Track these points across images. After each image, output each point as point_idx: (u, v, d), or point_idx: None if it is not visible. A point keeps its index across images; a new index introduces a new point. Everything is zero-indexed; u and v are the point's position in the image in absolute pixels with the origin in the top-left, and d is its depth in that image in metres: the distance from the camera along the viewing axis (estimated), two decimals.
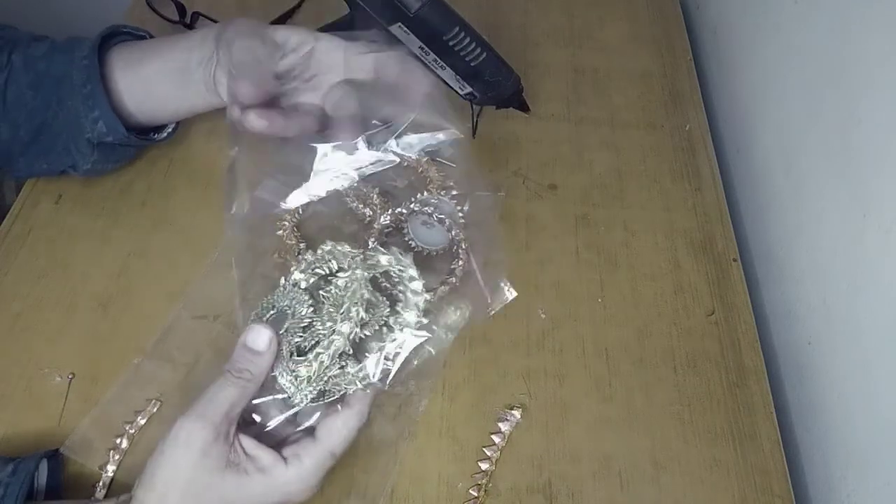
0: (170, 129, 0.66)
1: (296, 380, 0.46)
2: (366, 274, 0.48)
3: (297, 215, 0.66)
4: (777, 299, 0.67)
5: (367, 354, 0.47)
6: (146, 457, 0.44)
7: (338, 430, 0.45)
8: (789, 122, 0.67)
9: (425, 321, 0.48)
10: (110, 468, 0.52)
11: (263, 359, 0.45)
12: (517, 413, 0.56)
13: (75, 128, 0.59)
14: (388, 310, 0.49)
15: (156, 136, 0.65)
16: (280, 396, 0.47)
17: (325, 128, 0.57)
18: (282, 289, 0.50)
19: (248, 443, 0.44)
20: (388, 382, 0.47)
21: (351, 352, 0.46)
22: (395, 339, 0.47)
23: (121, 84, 0.59)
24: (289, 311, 0.48)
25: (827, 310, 0.58)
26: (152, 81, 0.59)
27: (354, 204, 0.67)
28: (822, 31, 0.61)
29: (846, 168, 0.56)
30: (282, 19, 0.85)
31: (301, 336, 0.47)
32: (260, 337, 0.45)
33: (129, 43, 0.62)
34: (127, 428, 0.53)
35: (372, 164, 0.54)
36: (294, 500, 0.45)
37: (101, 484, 0.51)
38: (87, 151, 0.61)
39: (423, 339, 0.48)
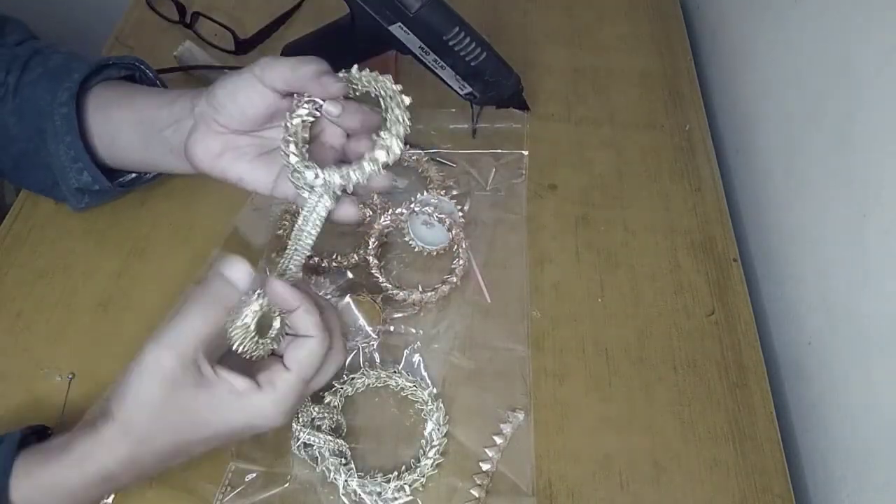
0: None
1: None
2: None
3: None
4: (777, 299, 0.67)
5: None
6: None
7: (305, 357, 0.44)
8: (789, 122, 0.67)
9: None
10: None
11: (238, 291, 0.44)
12: (520, 415, 0.56)
13: (61, 173, 0.58)
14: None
15: (147, 175, 0.63)
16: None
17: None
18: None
19: (220, 368, 0.44)
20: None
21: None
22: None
23: (93, 128, 0.58)
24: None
25: (827, 310, 0.58)
26: (119, 129, 0.57)
27: None
28: (822, 31, 0.61)
29: (846, 168, 0.56)
30: (282, 19, 0.85)
31: None
32: (237, 270, 0.44)
33: (111, 83, 0.60)
34: None
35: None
36: (264, 426, 0.45)
37: None
38: (78, 196, 0.60)
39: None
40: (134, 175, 0.63)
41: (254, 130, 0.51)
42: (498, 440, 0.54)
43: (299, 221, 0.47)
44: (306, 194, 0.47)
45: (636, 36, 0.88)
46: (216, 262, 0.45)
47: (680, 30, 0.89)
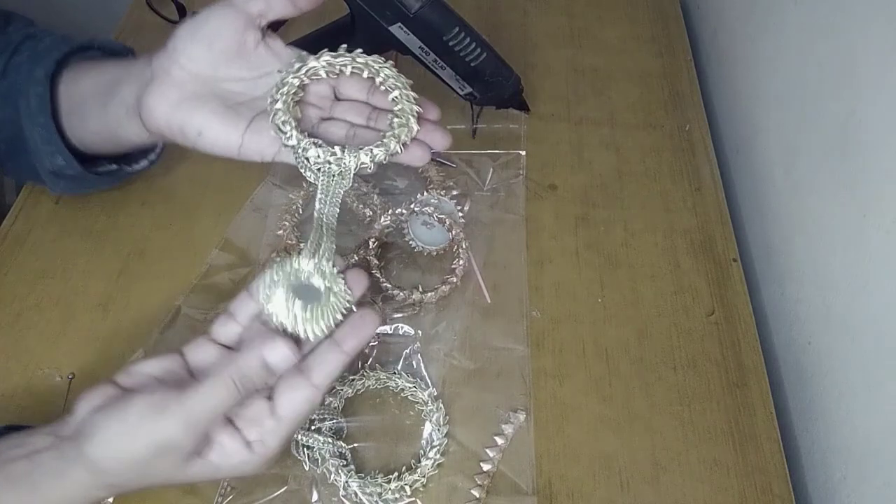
0: (150, 159, 0.62)
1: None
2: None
3: (296, 215, 0.66)
4: (777, 299, 0.67)
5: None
6: None
7: (301, 407, 0.42)
8: (789, 122, 0.67)
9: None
10: None
11: (274, 376, 0.42)
12: (521, 415, 0.56)
13: (36, 156, 0.56)
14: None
15: (127, 168, 0.61)
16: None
17: None
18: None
19: (221, 433, 0.42)
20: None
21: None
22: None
23: (63, 104, 0.55)
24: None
25: (827, 310, 0.58)
26: (84, 99, 0.54)
27: (354, 204, 0.67)
28: (822, 32, 0.61)
29: (846, 168, 0.56)
30: (282, 19, 0.85)
31: None
32: (281, 356, 0.41)
33: (87, 58, 0.57)
34: None
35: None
36: (248, 473, 0.43)
37: None
38: (53, 179, 0.58)
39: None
40: (113, 167, 0.60)
41: (218, 77, 0.47)
42: (499, 440, 0.54)
43: (317, 207, 0.44)
44: (312, 174, 0.45)
45: (636, 36, 0.88)
46: (256, 339, 0.42)
47: (680, 30, 0.89)
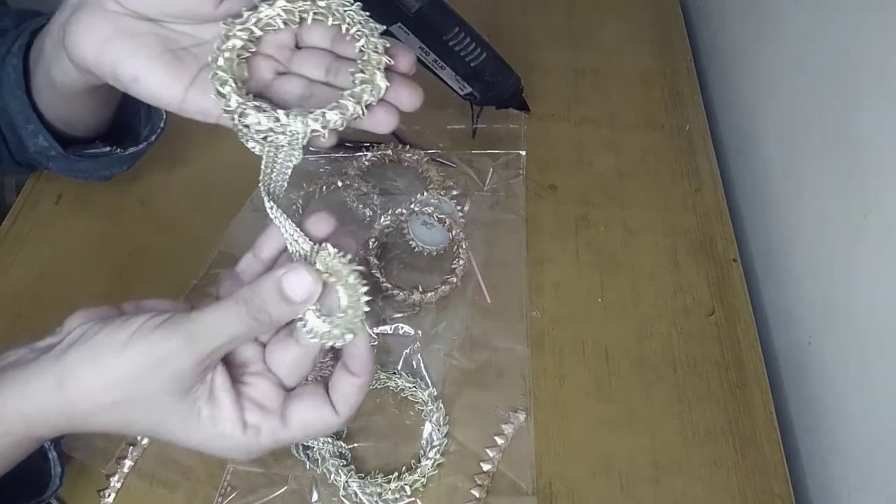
0: (147, 141, 0.59)
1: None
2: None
3: (297, 215, 0.66)
4: (777, 299, 0.67)
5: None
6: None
7: (316, 428, 0.38)
8: (789, 123, 0.67)
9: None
10: (115, 479, 0.52)
11: (292, 311, 0.36)
12: (521, 416, 0.56)
13: (23, 135, 0.53)
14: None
15: (117, 150, 0.58)
16: None
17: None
18: None
19: (221, 382, 0.36)
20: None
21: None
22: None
23: (32, 73, 0.50)
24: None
25: (827, 310, 0.58)
26: (34, 56, 0.49)
27: (354, 204, 0.67)
28: (822, 32, 0.61)
29: (846, 168, 0.56)
30: None
31: None
32: (301, 285, 0.35)
33: None
34: None
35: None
36: (229, 457, 0.39)
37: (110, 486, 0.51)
38: (44, 162, 0.55)
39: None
40: (105, 149, 0.57)
41: (162, 18, 0.40)
42: (499, 440, 0.54)
43: (261, 185, 0.37)
44: (256, 145, 0.38)
45: (636, 36, 0.88)
46: (277, 270, 0.36)
47: (680, 30, 0.89)
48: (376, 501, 0.51)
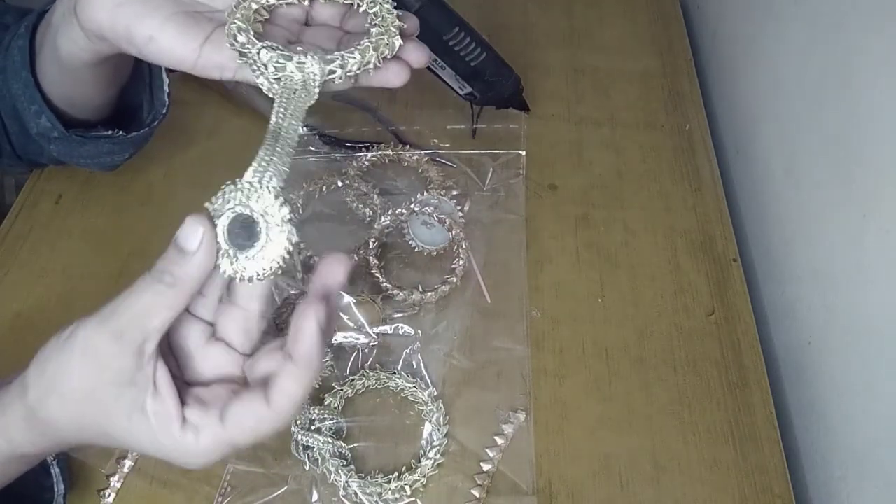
0: (150, 126, 0.58)
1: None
2: None
3: (297, 215, 0.66)
4: (777, 299, 0.67)
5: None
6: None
7: (250, 426, 0.35)
8: (789, 122, 0.67)
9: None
10: (115, 479, 0.52)
11: (191, 263, 0.35)
12: (521, 416, 0.56)
13: (25, 117, 0.53)
14: None
15: (119, 133, 0.57)
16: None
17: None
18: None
19: (162, 374, 0.35)
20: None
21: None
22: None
23: (37, 52, 0.49)
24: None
25: (827, 310, 0.58)
26: (41, 33, 0.49)
27: (354, 204, 0.67)
28: (822, 32, 0.61)
29: (846, 168, 0.56)
30: None
31: None
32: (192, 233, 0.35)
33: None
34: None
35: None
36: (186, 466, 0.36)
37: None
38: (45, 144, 0.54)
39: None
40: (108, 132, 0.56)
41: None
42: (499, 440, 0.54)
43: (273, 121, 0.36)
44: (268, 85, 0.37)
45: (636, 36, 0.88)
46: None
47: (680, 30, 0.89)
48: (376, 501, 0.51)
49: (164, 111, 0.60)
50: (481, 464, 0.53)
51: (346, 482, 0.51)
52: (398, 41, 0.38)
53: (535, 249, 0.67)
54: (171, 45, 0.39)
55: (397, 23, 0.39)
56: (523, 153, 0.73)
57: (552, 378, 0.59)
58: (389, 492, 0.51)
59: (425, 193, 0.67)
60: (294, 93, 0.36)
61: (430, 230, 0.65)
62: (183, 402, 0.35)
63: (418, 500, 0.52)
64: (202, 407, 0.35)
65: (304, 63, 0.36)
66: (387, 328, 0.60)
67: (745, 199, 0.75)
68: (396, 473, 0.52)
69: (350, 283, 0.62)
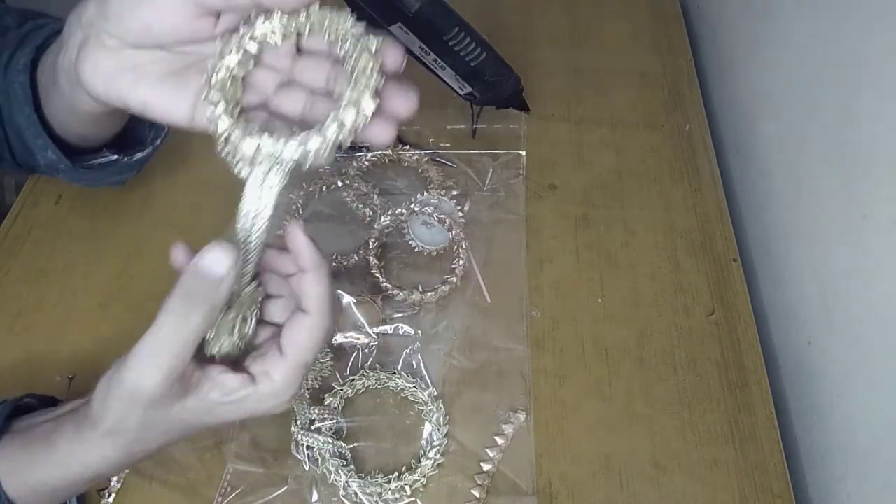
0: (153, 146, 0.59)
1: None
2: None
3: (297, 215, 0.66)
4: (777, 299, 0.67)
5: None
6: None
7: (303, 341, 0.39)
8: (789, 122, 0.67)
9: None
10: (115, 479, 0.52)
11: (223, 287, 0.37)
12: (521, 415, 0.56)
13: (32, 148, 0.53)
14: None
15: (124, 158, 0.57)
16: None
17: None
18: None
19: (212, 370, 0.39)
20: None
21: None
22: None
23: (40, 89, 0.50)
24: None
25: (827, 310, 0.58)
26: (46, 75, 0.49)
27: (354, 204, 0.67)
28: (822, 31, 0.61)
29: (846, 168, 0.56)
30: None
31: None
32: (221, 258, 0.37)
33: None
34: None
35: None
36: (265, 414, 0.41)
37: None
38: (51, 173, 0.55)
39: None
40: (112, 157, 0.57)
41: (160, 47, 0.40)
42: (499, 440, 0.54)
43: (242, 209, 0.38)
44: (243, 170, 0.37)
45: (636, 36, 0.88)
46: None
47: (680, 30, 0.89)
48: (376, 501, 0.51)
49: (166, 129, 0.60)
50: (481, 464, 0.53)
51: (346, 482, 0.51)
52: (370, 106, 0.35)
53: (535, 249, 0.67)
54: (164, 110, 0.41)
55: (373, 84, 0.36)
56: (523, 153, 0.73)
57: (552, 378, 0.59)
58: (389, 492, 0.51)
59: (425, 193, 0.67)
60: (267, 175, 0.37)
61: (430, 230, 0.65)
62: (241, 363, 0.40)
63: (418, 500, 0.52)
64: (261, 357, 0.40)
65: (271, 151, 0.36)
66: (387, 328, 0.60)
67: (745, 199, 0.75)
68: (396, 473, 0.52)
69: (350, 283, 0.62)
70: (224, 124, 0.37)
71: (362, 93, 0.35)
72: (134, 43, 0.40)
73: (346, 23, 0.37)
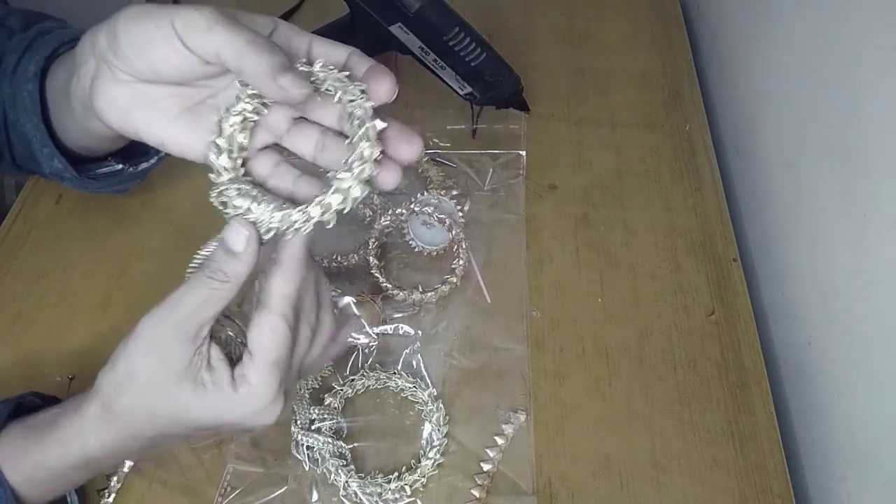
0: (152, 160, 0.58)
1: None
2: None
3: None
4: (777, 299, 0.67)
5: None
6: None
7: (267, 341, 0.39)
8: (789, 122, 0.67)
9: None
10: (115, 479, 0.52)
11: (240, 261, 0.39)
12: (521, 416, 0.56)
13: (38, 156, 0.53)
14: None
15: (137, 167, 0.57)
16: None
17: None
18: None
19: (214, 352, 0.40)
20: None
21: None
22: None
23: (49, 100, 0.51)
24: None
25: (827, 310, 0.58)
26: (58, 92, 0.50)
27: None
28: (822, 31, 0.61)
29: (846, 168, 0.56)
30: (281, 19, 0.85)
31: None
32: (238, 236, 0.39)
33: (70, 51, 0.50)
34: None
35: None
36: (259, 423, 0.41)
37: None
38: (56, 180, 0.55)
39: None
40: (118, 167, 0.57)
41: (174, 82, 0.40)
42: (499, 440, 0.54)
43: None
44: (230, 216, 0.40)
45: (636, 36, 0.88)
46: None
47: (680, 30, 0.89)
48: (376, 501, 0.51)
49: None
50: (481, 464, 0.53)
51: (346, 482, 0.51)
52: (357, 192, 0.37)
53: (535, 249, 0.67)
54: (181, 146, 0.42)
55: (374, 152, 0.37)
56: (523, 153, 0.73)
57: (552, 378, 0.59)
58: (389, 492, 0.51)
59: (425, 193, 0.67)
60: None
61: (430, 230, 0.65)
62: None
63: (418, 500, 0.52)
64: (239, 363, 0.40)
65: (262, 219, 0.39)
66: (387, 328, 0.60)
67: (745, 199, 0.75)
68: (396, 473, 0.52)
69: (350, 283, 0.62)
70: (223, 177, 0.40)
71: (354, 180, 0.37)
72: (146, 80, 0.40)
73: (359, 95, 0.37)
